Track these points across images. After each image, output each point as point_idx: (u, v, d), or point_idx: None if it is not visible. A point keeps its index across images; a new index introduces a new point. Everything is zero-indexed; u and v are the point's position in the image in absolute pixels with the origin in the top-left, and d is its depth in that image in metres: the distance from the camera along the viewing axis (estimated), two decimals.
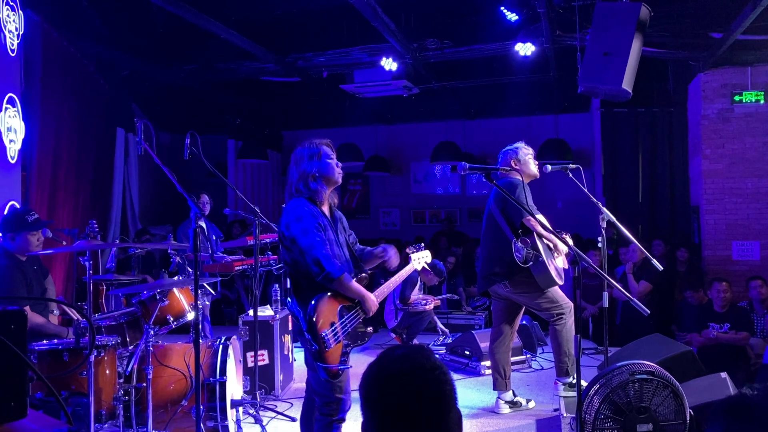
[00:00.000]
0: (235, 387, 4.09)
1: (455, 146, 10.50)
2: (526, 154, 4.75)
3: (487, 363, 5.38)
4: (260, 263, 4.90)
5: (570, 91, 6.84)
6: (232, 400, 3.92)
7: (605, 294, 3.79)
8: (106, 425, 3.51)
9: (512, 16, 6.88)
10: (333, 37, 7.62)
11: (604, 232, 3.97)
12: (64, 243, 5.13)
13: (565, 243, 3.48)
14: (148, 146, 3.49)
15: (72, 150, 6.85)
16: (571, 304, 4.50)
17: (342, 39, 7.60)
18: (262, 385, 4.96)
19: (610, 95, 5.65)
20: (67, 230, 5.68)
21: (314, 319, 2.96)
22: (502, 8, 6.81)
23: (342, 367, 3.01)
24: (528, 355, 6.19)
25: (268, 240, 5.49)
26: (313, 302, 2.99)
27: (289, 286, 3.37)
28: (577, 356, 3.24)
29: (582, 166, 4.32)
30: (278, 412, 4.70)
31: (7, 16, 5.14)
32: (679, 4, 6.58)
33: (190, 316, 3.99)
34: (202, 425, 3.36)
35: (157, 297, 3.85)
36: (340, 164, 3.27)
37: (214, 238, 6.32)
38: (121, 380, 3.64)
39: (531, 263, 4.39)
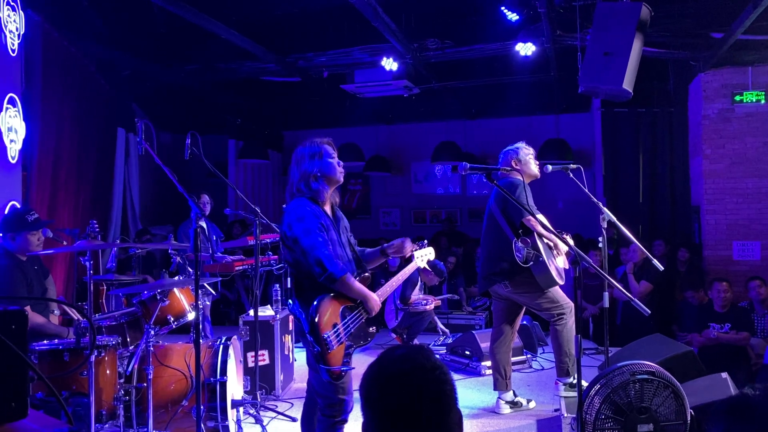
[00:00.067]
0: (235, 387, 4.09)
1: (456, 146, 10.50)
2: (527, 154, 4.75)
3: (488, 363, 5.38)
4: (261, 263, 4.90)
5: (571, 91, 6.83)
6: (232, 400, 3.92)
7: (606, 294, 3.79)
8: (107, 425, 3.51)
9: (513, 16, 6.88)
10: (334, 37, 7.62)
11: (604, 232, 3.97)
12: (65, 243, 5.12)
13: (566, 243, 3.48)
14: (148, 146, 3.49)
15: (72, 150, 6.86)
16: (572, 304, 4.50)
17: (343, 39, 7.60)
18: (262, 385, 4.96)
19: (610, 95, 5.65)
20: (67, 230, 5.68)
21: (316, 320, 2.93)
22: (503, 8, 6.81)
23: (345, 368, 2.99)
24: (528, 356, 6.19)
25: (268, 240, 5.49)
26: (315, 303, 2.97)
27: (290, 286, 3.35)
28: (577, 356, 3.24)
29: (582, 166, 4.31)
30: (279, 412, 4.70)
31: (8, 16, 5.14)
32: (680, 4, 6.58)
33: (191, 316, 4.00)
34: (202, 425, 3.36)
35: (158, 297, 3.85)
36: (341, 163, 3.25)
37: (214, 238, 6.33)
38: (122, 380, 3.64)
39: (531, 263, 4.39)
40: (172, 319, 3.95)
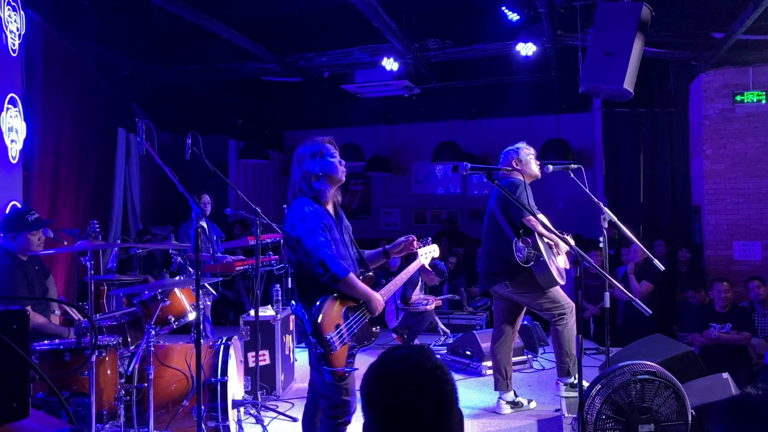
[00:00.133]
0: (236, 387, 4.09)
1: (456, 146, 10.49)
2: (528, 154, 4.75)
3: (489, 363, 5.38)
4: (261, 263, 4.90)
5: (571, 91, 6.83)
6: (233, 401, 3.92)
7: (607, 294, 3.79)
8: (108, 425, 3.51)
9: (513, 16, 6.87)
10: (334, 37, 7.62)
11: (605, 232, 3.97)
12: (66, 243, 5.12)
13: (567, 243, 3.48)
14: (149, 146, 3.49)
15: (73, 150, 6.86)
16: (573, 304, 4.50)
17: (343, 39, 7.60)
18: (263, 385, 4.96)
19: (611, 95, 5.65)
20: (68, 230, 5.68)
21: (318, 321, 2.91)
22: (504, 8, 6.80)
23: (348, 369, 2.96)
24: (529, 356, 6.19)
25: (269, 240, 5.49)
26: (317, 304, 2.95)
27: (291, 286, 3.34)
28: (578, 356, 3.23)
29: (583, 166, 4.31)
30: (279, 413, 4.69)
31: (9, 16, 5.14)
32: (681, 4, 6.57)
33: (192, 316, 4.00)
34: (203, 425, 3.36)
35: (159, 297, 3.85)
36: (343, 162, 3.23)
37: (215, 238, 6.33)
38: (123, 380, 3.64)
39: (532, 263, 4.39)
40: (173, 319, 3.95)
